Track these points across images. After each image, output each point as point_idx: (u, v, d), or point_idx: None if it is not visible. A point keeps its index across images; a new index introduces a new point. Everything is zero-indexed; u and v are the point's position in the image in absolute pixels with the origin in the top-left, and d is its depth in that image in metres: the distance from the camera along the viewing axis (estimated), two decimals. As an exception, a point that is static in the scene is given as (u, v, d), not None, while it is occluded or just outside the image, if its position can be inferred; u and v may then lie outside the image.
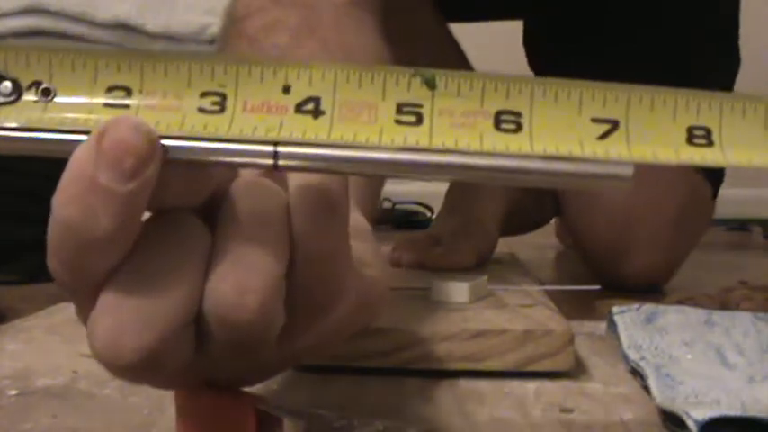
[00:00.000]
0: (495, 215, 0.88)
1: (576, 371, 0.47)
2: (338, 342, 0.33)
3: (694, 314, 0.51)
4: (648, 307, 0.52)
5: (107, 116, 0.24)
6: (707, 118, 0.25)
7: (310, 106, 0.25)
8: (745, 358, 0.46)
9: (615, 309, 0.53)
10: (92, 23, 1.03)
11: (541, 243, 1.32)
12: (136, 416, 0.39)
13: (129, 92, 0.25)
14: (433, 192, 1.04)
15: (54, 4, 1.02)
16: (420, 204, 1.55)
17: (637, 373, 0.45)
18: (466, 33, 1.02)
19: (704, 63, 0.88)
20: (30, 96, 0.25)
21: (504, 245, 0.92)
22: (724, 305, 0.59)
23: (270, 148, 0.24)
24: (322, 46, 0.48)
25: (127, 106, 0.25)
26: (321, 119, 0.25)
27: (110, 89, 0.25)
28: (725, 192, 0.95)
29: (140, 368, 0.24)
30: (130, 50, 0.25)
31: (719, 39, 0.94)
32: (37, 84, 0.25)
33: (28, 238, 0.86)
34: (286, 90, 0.25)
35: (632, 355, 0.46)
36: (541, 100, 0.25)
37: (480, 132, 0.24)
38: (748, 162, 0.25)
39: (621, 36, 0.93)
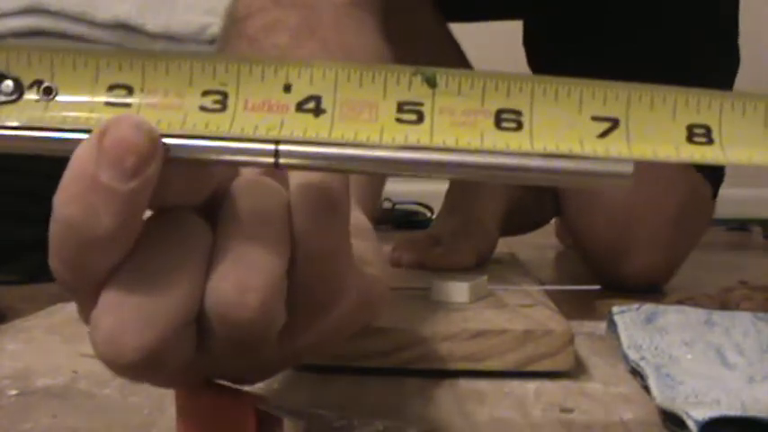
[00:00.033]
0: (495, 215, 0.88)
1: (576, 371, 0.47)
2: (339, 341, 0.33)
3: (694, 314, 0.51)
4: (648, 307, 0.52)
5: (108, 115, 0.24)
6: (707, 116, 0.25)
7: (311, 105, 0.25)
8: (745, 358, 0.46)
9: (615, 309, 0.53)
10: (92, 23, 1.03)
11: (541, 243, 1.32)
12: (136, 416, 0.39)
13: (130, 90, 0.25)
14: (433, 192, 1.04)
15: (54, 4, 1.02)
16: (420, 204, 1.54)
17: (637, 373, 0.45)
18: (466, 33, 1.02)
19: (704, 63, 0.88)
20: (31, 95, 0.25)
21: (504, 245, 0.92)
22: (724, 305, 0.59)
23: (271, 147, 0.24)
24: (322, 46, 0.48)
25: (128, 105, 0.25)
26: (322, 117, 0.25)
27: (111, 88, 0.25)
28: (725, 192, 0.95)
29: (142, 367, 0.24)
30: (132, 49, 0.25)
31: (719, 39, 0.94)
32: (38, 82, 0.25)
33: (28, 238, 0.86)
34: (287, 89, 0.25)
35: (632, 355, 0.46)
36: (542, 98, 0.25)
37: (481, 131, 0.24)
38: (748, 160, 0.25)
39: (621, 36, 0.93)
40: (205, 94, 0.25)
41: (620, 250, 0.88)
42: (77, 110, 0.25)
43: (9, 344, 0.53)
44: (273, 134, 0.24)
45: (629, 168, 0.24)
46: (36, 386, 0.43)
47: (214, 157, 0.25)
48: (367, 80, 0.25)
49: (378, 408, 0.40)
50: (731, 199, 1.09)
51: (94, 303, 0.24)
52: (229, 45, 0.50)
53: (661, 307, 0.53)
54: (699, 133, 0.25)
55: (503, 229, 0.90)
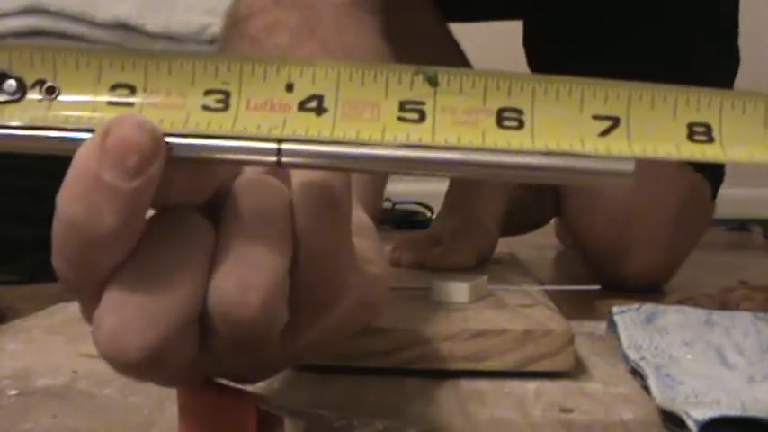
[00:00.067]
0: (495, 214, 0.88)
1: (576, 371, 0.47)
2: (341, 339, 0.33)
3: (694, 314, 0.51)
4: (648, 307, 0.52)
5: (111, 114, 0.24)
6: (707, 115, 0.25)
7: (313, 104, 0.25)
8: (745, 358, 0.46)
9: (615, 309, 0.53)
10: (92, 23, 1.03)
11: (541, 243, 1.32)
12: (136, 416, 0.38)
13: (133, 90, 0.25)
14: (433, 192, 1.04)
15: (54, 4, 1.02)
16: (420, 204, 1.54)
17: (637, 373, 0.45)
18: (466, 33, 1.02)
19: (704, 63, 0.88)
20: (34, 95, 0.25)
21: (504, 245, 0.92)
22: (724, 305, 0.59)
23: (273, 146, 0.24)
24: (322, 46, 0.48)
25: (131, 104, 0.25)
26: (324, 116, 0.25)
27: (114, 87, 0.25)
28: (725, 192, 0.95)
29: (144, 365, 0.24)
30: (134, 49, 0.25)
31: (719, 39, 0.95)
32: (41, 82, 0.25)
33: (28, 238, 0.86)
34: (289, 88, 0.25)
35: (632, 355, 0.46)
36: (543, 97, 0.25)
37: (482, 129, 0.25)
38: (749, 158, 0.25)
39: (621, 36, 0.93)
40: (207, 93, 0.25)
41: (620, 250, 0.88)
42: (80, 109, 0.25)
43: (9, 344, 0.53)
44: (276, 133, 0.24)
45: (630, 166, 0.24)
46: (36, 386, 0.43)
47: (217, 156, 0.25)
48: (369, 79, 0.25)
49: (378, 408, 0.40)
50: (731, 199, 1.09)
51: (97, 302, 0.25)
52: (230, 45, 0.50)
53: (661, 307, 0.53)
54: (699, 132, 0.25)
55: (503, 229, 0.90)
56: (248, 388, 0.31)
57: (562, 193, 0.96)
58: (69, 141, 0.24)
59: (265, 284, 0.24)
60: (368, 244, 0.32)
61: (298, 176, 0.26)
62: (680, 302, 0.58)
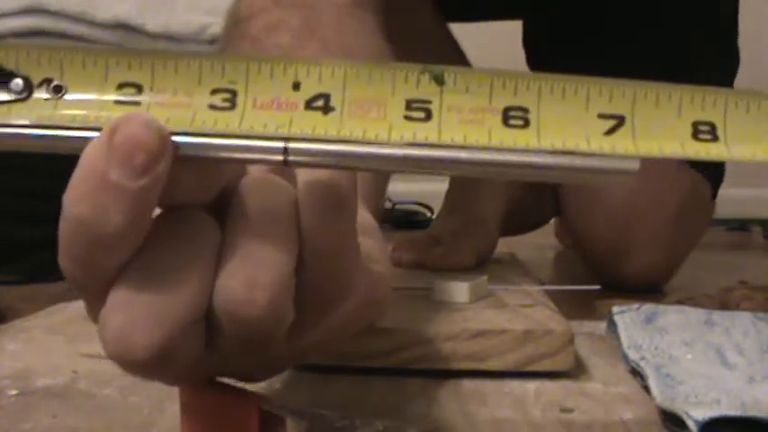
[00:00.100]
0: (495, 214, 0.88)
1: (576, 371, 0.47)
2: (345, 338, 0.33)
3: (694, 314, 0.51)
4: (648, 307, 0.52)
5: (118, 113, 0.24)
6: (712, 113, 0.25)
7: (320, 103, 0.25)
8: (745, 358, 0.46)
9: (615, 309, 0.53)
10: (92, 23, 1.03)
11: (541, 243, 1.32)
12: (136, 416, 0.38)
13: (139, 89, 0.25)
14: (433, 192, 1.04)
15: (54, 4, 1.02)
16: (420, 204, 1.54)
17: (637, 373, 0.45)
18: (466, 33, 1.02)
19: (704, 63, 0.88)
20: (41, 93, 0.25)
21: (504, 245, 0.92)
22: (724, 305, 0.59)
23: (280, 145, 0.25)
24: (322, 46, 0.48)
25: (138, 103, 0.25)
26: (331, 115, 0.25)
27: (120, 86, 0.25)
28: (725, 192, 0.95)
29: (151, 364, 0.24)
30: (140, 49, 0.25)
31: (719, 39, 0.95)
32: (48, 81, 0.25)
33: (28, 238, 0.86)
34: (296, 87, 0.25)
35: (632, 355, 0.46)
36: (549, 96, 0.25)
37: (488, 128, 0.25)
38: (752, 157, 0.25)
39: (621, 36, 0.93)
40: (214, 92, 0.25)
41: (620, 250, 0.88)
42: (87, 108, 0.25)
43: (9, 344, 0.53)
44: (282, 132, 0.24)
45: (635, 165, 0.25)
46: (36, 386, 0.43)
47: (223, 154, 0.25)
48: (375, 78, 0.25)
49: (379, 407, 0.40)
50: (731, 199, 1.09)
51: (104, 301, 0.25)
52: (231, 45, 0.50)
53: (661, 307, 0.53)
54: (704, 130, 0.25)
55: (503, 229, 0.90)
56: (250, 387, 0.31)
57: (562, 193, 0.96)
58: (76, 140, 0.24)
59: (272, 283, 0.25)
60: (372, 243, 0.32)
61: (303, 175, 0.26)
62: (680, 302, 0.58)
